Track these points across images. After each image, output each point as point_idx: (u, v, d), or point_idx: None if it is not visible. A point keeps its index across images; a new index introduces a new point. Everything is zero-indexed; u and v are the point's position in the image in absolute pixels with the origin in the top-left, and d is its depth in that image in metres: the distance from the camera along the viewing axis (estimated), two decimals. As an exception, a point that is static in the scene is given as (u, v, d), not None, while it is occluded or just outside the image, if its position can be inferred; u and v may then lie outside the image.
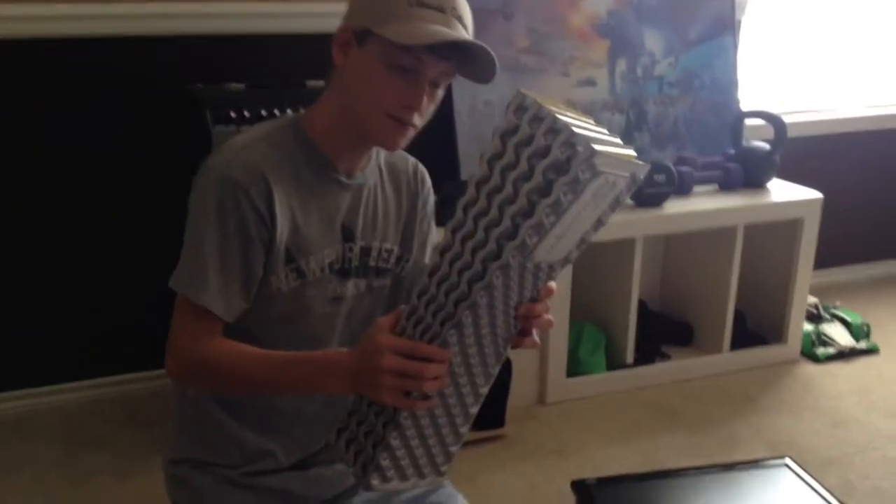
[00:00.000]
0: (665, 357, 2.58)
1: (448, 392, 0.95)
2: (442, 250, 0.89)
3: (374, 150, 1.14)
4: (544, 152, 0.79)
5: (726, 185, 2.56)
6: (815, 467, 2.05)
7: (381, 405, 0.95)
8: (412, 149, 1.16)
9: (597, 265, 2.44)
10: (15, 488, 1.97)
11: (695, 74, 2.65)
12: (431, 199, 1.24)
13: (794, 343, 2.66)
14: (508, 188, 0.82)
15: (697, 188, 2.53)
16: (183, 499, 1.17)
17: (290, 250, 1.07)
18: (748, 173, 2.56)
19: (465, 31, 1.02)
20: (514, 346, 0.98)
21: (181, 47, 2.19)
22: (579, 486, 1.84)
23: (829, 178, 2.90)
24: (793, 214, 2.54)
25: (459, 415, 0.99)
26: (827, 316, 2.83)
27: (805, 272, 2.59)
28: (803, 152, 2.92)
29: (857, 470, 2.10)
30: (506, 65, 2.38)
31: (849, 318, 2.81)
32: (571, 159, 0.77)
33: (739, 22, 2.76)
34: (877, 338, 2.78)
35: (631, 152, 0.84)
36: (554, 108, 0.81)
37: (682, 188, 2.47)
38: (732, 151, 2.64)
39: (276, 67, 2.27)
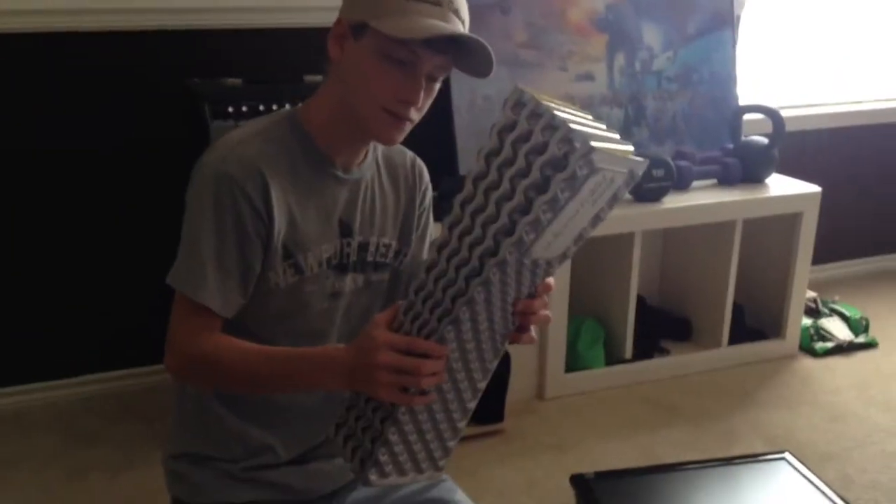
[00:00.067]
0: (664, 352, 2.58)
1: (446, 387, 0.95)
2: (439, 246, 0.89)
3: (372, 144, 1.14)
4: (542, 149, 0.79)
5: (725, 179, 2.56)
6: (813, 462, 2.06)
7: (378, 401, 0.95)
8: (410, 143, 1.16)
9: (595, 260, 2.44)
10: (13, 483, 1.97)
11: (693, 69, 2.64)
12: (429, 193, 1.24)
13: (792, 338, 2.67)
14: (506, 184, 0.82)
15: (696, 183, 2.53)
16: (183, 493, 1.17)
17: (288, 246, 1.07)
18: (747, 168, 2.56)
19: (462, 24, 1.02)
20: (512, 342, 0.98)
21: (178, 42, 2.18)
22: (578, 481, 1.84)
23: (828, 172, 2.90)
24: (791, 209, 2.54)
25: (457, 410, 0.99)
26: (825, 310, 2.84)
27: (803, 267, 2.60)
28: (802, 147, 2.92)
29: (855, 464, 2.10)
30: (504, 59, 2.38)
31: (847, 313, 2.81)
32: (569, 155, 0.77)
33: (738, 17, 2.76)
34: (875, 332, 2.78)
35: (629, 148, 0.84)
36: (552, 104, 0.81)
37: (681, 183, 2.47)
38: (731, 146, 2.64)
39: (273, 62, 2.26)
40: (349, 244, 1.12)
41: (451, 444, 1.02)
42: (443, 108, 2.29)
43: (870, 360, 2.65)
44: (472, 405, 1.00)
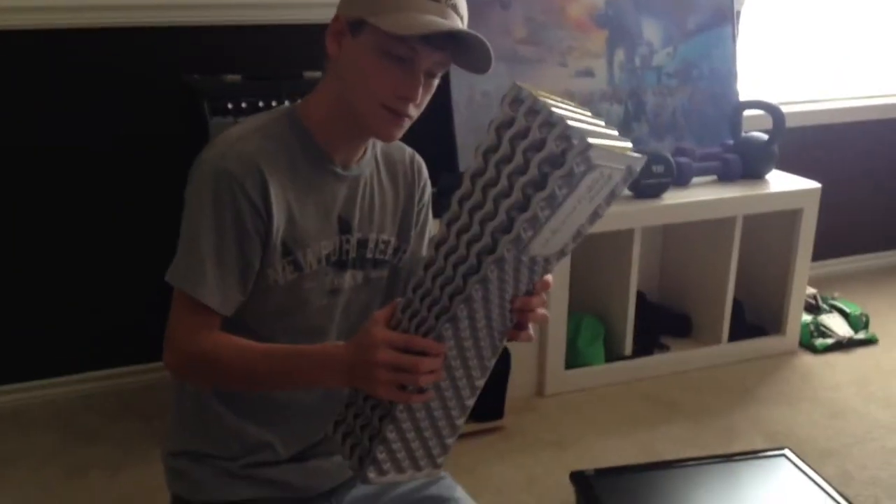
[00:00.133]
0: (663, 348, 2.58)
1: (444, 385, 0.95)
2: (437, 243, 0.88)
3: (371, 141, 1.14)
4: (539, 145, 0.79)
5: (725, 175, 2.56)
6: (813, 458, 2.06)
7: (377, 398, 0.95)
8: (410, 140, 1.15)
9: (595, 256, 2.44)
10: (11, 481, 1.97)
11: (693, 65, 2.64)
12: (428, 189, 1.23)
13: (792, 334, 2.67)
14: (504, 181, 0.82)
15: (696, 179, 2.53)
16: (182, 491, 1.17)
17: (287, 243, 1.07)
18: (747, 164, 2.56)
19: (461, 20, 1.02)
20: (510, 340, 0.98)
21: (178, 39, 2.18)
22: (578, 478, 1.84)
23: (828, 168, 2.90)
24: (791, 205, 2.54)
25: (455, 407, 0.99)
26: (825, 307, 2.84)
27: (803, 263, 2.59)
28: (802, 143, 2.92)
29: (855, 460, 2.10)
30: (503, 55, 2.37)
31: (847, 309, 2.81)
32: (566, 152, 0.77)
33: (738, 12, 2.75)
34: (875, 328, 2.78)
35: (627, 144, 0.84)
36: (550, 101, 0.80)
37: (681, 179, 2.47)
38: (731, 142, 2.64)
39: (273, 58, 2.26)
40: (348, 241, 1.12)
41: (450, 441, 1.02)
42: (442, 104, 2.28)
43: (870, 357, 2.65)
44: (471, 403, 1.00)
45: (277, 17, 2.25)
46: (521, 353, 2.23)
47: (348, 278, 1.14)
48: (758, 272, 2.67)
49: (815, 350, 2.67)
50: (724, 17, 2.67)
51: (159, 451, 1.22)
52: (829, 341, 2.69)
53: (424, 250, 1.22)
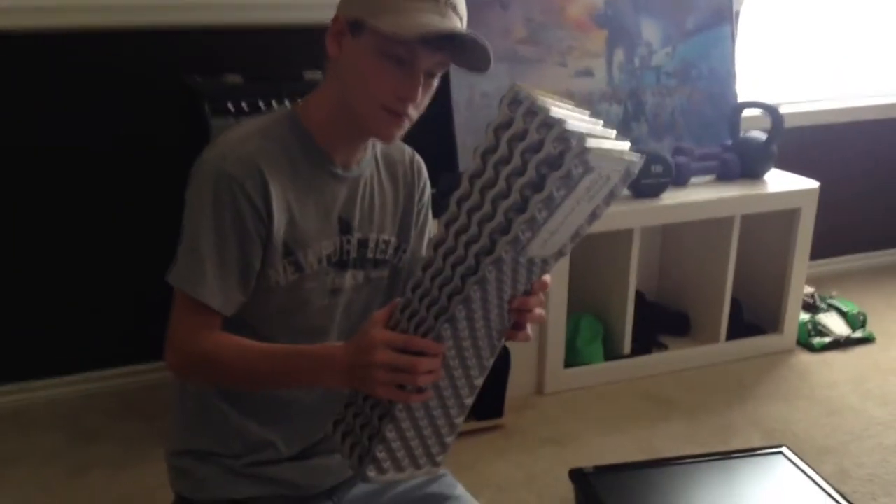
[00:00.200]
0: (662, 347, 2.59)
1: (443, 384, 0.96)
2: (436, 244, 0.89)
3: (371, 141, 1.15)
4: (537, 147, 0.79)
5: (723, 175, 2.56)
6: (810, 456, 2.06)
7: (376, 398, 0.96)
8: (410, 140, 1.16)
9: (594, 256, 2.45)
10: (12, 481, 1.97)
11: (692, 65, 2.65)
12: (428, 189, 1.24)
13: (790, 332, 2.67)
14: (502, 183, 0.82)
15: (695, 179, 2.54)
16: (186, 489, 1.18)
17: (288, 243, 1.07)
18: (745, 164, 2.57)
19: (460, 20, 1.02)
20: (508, 340, 0.99)
21: (178, 39, 2.18)
22: (577, 475, 1.85)
23: (826, 168, 2.90)
24: (789, 204, 2.55)
25: (454, 406, 1.00)
26: (823, 305, 2.84)
27: (801, 262, 2.60)
28: (800, 142, 2.93)
29: (852, 458, 2.11)
30: (503, 55, 2.38)
31: (845, 308, 2.82)
32: (564, 154, 0.77)
33: (737, 12, 2.76)
34: (872, 327, 2.79)
35: (625, 145, 0.84)
36: (548, 102, 0.80)
37: (680, 179, 2.47)
38: (730, 142, 2.64)
39: (274, 59, 2.26)
40: (349, 241, 1.13)
41: (449, 440, 1.02)
42: (442, 104, 2.29)
43: (867, 355, 2.65)
44: (470, 402, 1.01)
45: (278, 19, 2.26)
46: (521, 352, 2.24)
47: (349, 278, 1.14)
48: (756, 271, 2.67)
49: (812, 349, 2.68)
50: (723, 18, 2.68)
51: (161, 450, 1.22)
52: (827, 340, 2.70)
53: (424, 250, 1.23)
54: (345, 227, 1.12)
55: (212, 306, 1.03)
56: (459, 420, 1.01)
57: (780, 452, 1.97)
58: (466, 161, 2.34)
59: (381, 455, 0.96)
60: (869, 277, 3.24)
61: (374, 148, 1.16)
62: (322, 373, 0.98)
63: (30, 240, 2.22)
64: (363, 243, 1.15)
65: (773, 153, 2.59)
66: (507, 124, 0.82)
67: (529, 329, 0.98)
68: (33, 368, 2.30)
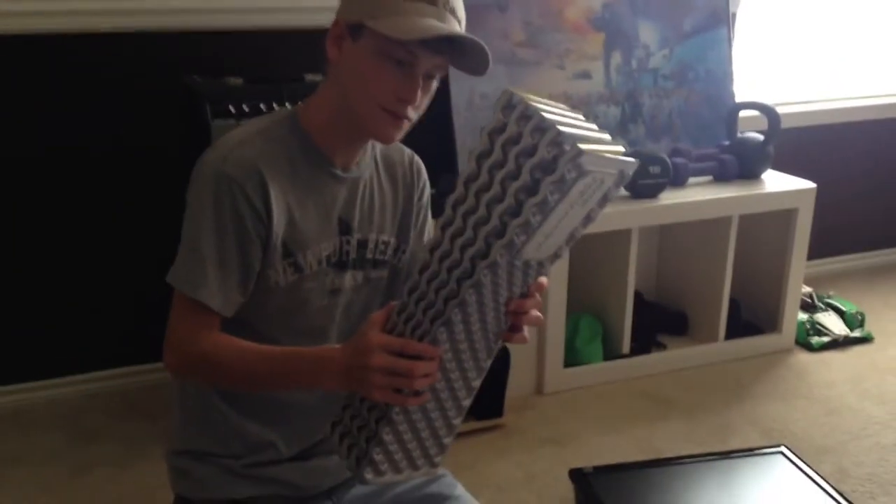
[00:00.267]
0: (661, 347, 2.60)
1: (440, 387, 0.96)
2: (432, 247, 0.89)
3: (371, 143, 1.15)
4: (531, 151, 0.79)
5: (721, 176, 2.57)
6: (809, 455, 2.07)
7: (373, 400, 0.96)
8: (410, 142, 1.17)
9: (593, 256, 2.46)
10: (13, 481, 1.98)
11: (689, 66, 2.66)
12: (427, 190, 1.25)
13: (788, 332, 2.68)
14: (496, 187, 0.82)
15: (692, 179, 2.55)
16: (185, 490, 1.19)
17: (287, 244, 1.08)
18: (743, 164, 2.57)
19: (458, 24, 1.03)
20: (505, 342, 0.99)
21: (180, 42, 2.19)
22: (577, 475, 1.86)
23: (823, 168, 2.91)
24: (787, 205, 2.55)
25: (452, 408, 1.00)
26: (821, 305, 2.85)
27: (799, 262, 2.61)
28: (797, 143, 2.94)
29: (851, 457, 2.12)
30: (501, 58, 2.39)
31: (843, 307, 2.82)
32: (558, 158, 0.77)
33: (734, 14, 2.77)
34: (871, 326, 2.79)
35: (619, 148, 0.84)
36: (542, 106, 0.81)
37: (678, 180, 2.48)
38: (727, 143, 2.65)
39: (274, 61, 2.27)
40: (348, 242, 1.14)
41: (447, 441, 1.02)
42: (441, 106, 2.30)
43: (865, 355, 2.66)
44: (467, 403, 1.01)
45: (279, 22, 2.27)
46: (520, 352, 2.24)
47: (348, 279, 1.15)
48: (754, 271, 2.68)
49: (810, 348, 2.69)
50: (720, 20, 2.69)
51: (162, 450, 1.23)
52: (825, 339, 2.71)
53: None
54: (344, 228, 1.13)
55: (211, 307, 1.04)
56: (457, 421, 1.02)
57: (779, 452, 1.98)
58: (466, 162, 2.36)
59: (378, 457, 0.96)
60: (866, 277, 3.25)
61: (373, 149, 1.17)
62: (320, 375, 0.99)
63: (30, 240, 2.23)
64: (362, 244, 1.15)
65: (770, 154, 2.60)
66: (502, 128, 0.82)
67: (526, 331, 0.98)
68: (34, 369, 2.30)
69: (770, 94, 2.94)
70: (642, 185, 2.38)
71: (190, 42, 2.20)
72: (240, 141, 1.06)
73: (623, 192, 2.36)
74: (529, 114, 0.80)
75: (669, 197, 2.43)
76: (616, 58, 2.56)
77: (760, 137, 2.60)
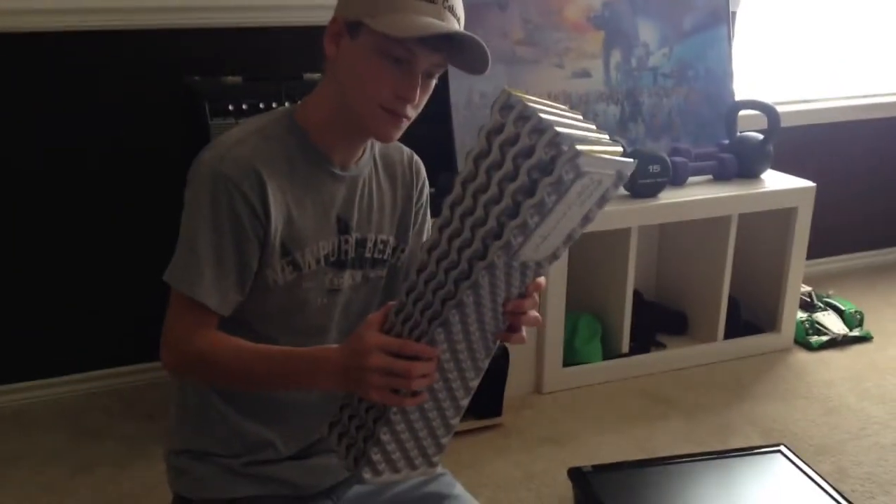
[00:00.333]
0: (660, 346, 2.60)
1: (438, 387, 0.96)
2: (429, 248, 0.89)
3: (369, 141, 1.15)
4: (529, 152, 0.79)
5: (721, 175, 2.57)
6: (808, 454, 2.07)
7: (371, 401, 0.96)
8: (409, 140, 1.17)
9: (592, 255, 2.45)
10: (13, 481, 1.98)
11: (689, 65, 2.65)
12: (426, 189, 1.25)
13: (787, 331, 2.68)
14: (494, 188, 0.82)
15: (692, 178, 2.55)
16: (185, 489, 1.18)
17: (286, 243, 1.08)
18: (742, 163, 2.57)
19: (457, 22, 1.02)
20: (503, 342, 0.98)
21: (178, 41, 2.19)
22: (576, 474, 1.86)
23: (823, 167, 2.92)
24: (786, 204, 2.55)
25: (450, 408, 1.00)
26: (820, 304, 2.85)
27: (798, 261, 2.61)
28: (797, 142, 2.94)
29: (850, 457, 2.12)
30: (501, 56, 2.39)
31: (842, 307, 2.82)
32: (555, 159, 0.77)
33: (733, 13, 2.77)
34: (870, 326, 2.79)
35: (617, 149, 0.84)
36: (540, 106, 0.80)
37: (677, 179, 2.48)
38: (726, 142, 2.65)
39: (273, 60, 2.27)
40: (347, 241, 1.13)
41: (445, 440, 1.02)
42: (441, 105, 2.30)
43: (864, 354, 2.66)
44: (465, 403, 1.01)
45: (277, 20, 2.26)
46: (520, 352, 2.24)
47: (347, 278, 1.15)
48: (753, 270, 2.68)
49: (810, 347, 2.69)
50: (720, 18, 2.69)
51: (162, 449, 1.23)
52: (824, 339, 2.71)
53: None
54: (343, 227, 1.13)
55: (208, 306, 1.04)
56: (455, 421, 1.01)
57: (779, 451, 1.98)
58: (464, 161, 2.35)
59: (376, 457, 0.96)
60: (866, 276, 3.25)
61: (372, 148, 1.17)
62: (317, 375, 0.98)
63: (30, 240, 2.22)
64: (361, 243, 1.15)
65: (770, 153, 2.60)
66: (499, 129, 0.82)
67: (524, 331, 0.97)
68: (34, 368, 2.30)
69: (770, 93, 2.94)
70: (642, 185, 2.38)
71: (188, 40, 2.20)
72: (237, 140, 1.05)
73: (622, 191, 2.36)
74: (527, 114, 0.79)
75: (669, 196, 2.43)
76: (616, 56, 2.56)
77: (760, 136, 2.60)
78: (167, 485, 1.21)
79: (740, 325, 2.66)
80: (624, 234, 2.37)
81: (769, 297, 2.66)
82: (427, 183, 1.25)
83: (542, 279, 0.96)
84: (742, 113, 2.67)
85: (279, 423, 1.17)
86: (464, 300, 0.87)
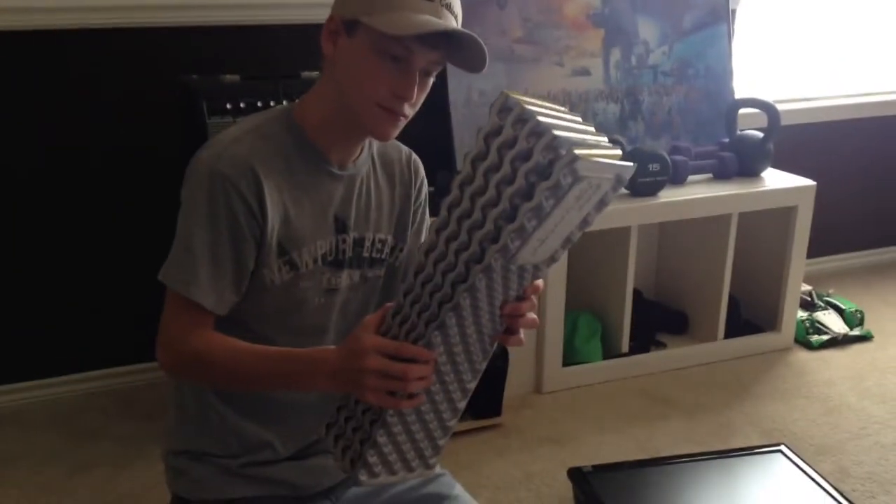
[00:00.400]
0: (660, 345, 2.59)
1: (435, 389, 0.95)
2: (427, 250, 0.88)
3: (367, 140, 1.15)
4: (527, 155, 0.78)
5: (721, 173, 2.57)
6: (809, 454, 2.07)
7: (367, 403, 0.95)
8: (408, 139, 1.16)
9: (592, 254, 2.45)
10: (12, 481, 1.97)
11: (689, 63, 2.65)
12: (425, 188, 1.24)
13: (788, 331, 2.68)
14: (491, 191, 0.82)
15: (692, 177, 2.54)
16: (183, 490, 1.18)
17: (283, 243, 1.07)
18: (742, 162, 2.57)
19: (455, 19, 1.02)
20: (501, 344, 0.98)
21: (176, 39, 2.18)
22: (576, 474, 1.85)
23: (823, 166, 2.91)
24: (787, 202, 2.55)
25: (447, 410, 0.99)
26: (820, 303, 2.84)
27: (799, 260, 2.61)
28: (797, 140, 2.93)
29: (850, 456, 2.11)
30: (500, 54, 2.38)
31: (842, 306, 2.82)
32: (553, 163, 0.76)
33: (733, 11, 2.76)
34: (870, 325, 2.79)
35: (616, 152, 0.83)
36: (538, 109, 0.80)
37: (677, 177, 2.48)
38: (727, 140, 2.65)
39: (271, 58, 2.27)
40: (344, 240, 1.13)
41: (442, 442, 1.02)
42: (439, 103, 2.29)
43: (865, 353, 2.66)
44: (462, 405, 1.01)
45: (275, 18, 2.26)
46: (519, 351, 2.24)
47: (345, 277, 1.14)
48: (753, 269, 2.68)
49: (810, 347, 2.68)
50: (720, 16, 2.68)
51: (160, 449, 1.23)
52: (825, 338, 2.70)
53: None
54: (340, 227, 1.12)
55: (205, 305, 1.03)
56: (452, 423, 1.01)
57: (779, 451, 1.97)
58: (463, 160, 2.35)
59: (372, 459, 0.96)
60: (866, 275, 3.25)
61: (370, 147, 1.16)
62: (313, 376, 0.98)
63: (30, 240, 2.22)
64: (359, 242, 1.15)
65: (770, 151, 2.59)
66: (497, 132, 0.81)
67: (522, 333, 0.97)
68: (33, 368, 2.30)
69: (770, 92, 2.94)
70: (642, 183, 2.37)
71: (186, 39, 2.19)
72: (234, 138, 1.05)
73: (622, 189, 2.35)
74: (525, 117, 0.79)
75: (669, 195, 2.42)
76: (615, 54, 2.55)
77: (760, 135, 2.59)
78: (165, 485, 1.21)
79: (740, 324, 2.66)
80: (624, 232, 2.37)
81: (769, 297, 2.66)
82: (426, 182, 1.24)
83: (540, 282, 0.96)
84: (742, 111, 2.66)
85: (277, 424, 1.16)
86: (461, 303, 0.86)
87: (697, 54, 2.66)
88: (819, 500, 1.80)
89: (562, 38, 2.48)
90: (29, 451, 2.09)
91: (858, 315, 2.79)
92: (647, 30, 2.59)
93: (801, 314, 2.74)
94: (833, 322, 2.76)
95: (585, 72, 2.52)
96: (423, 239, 1.24)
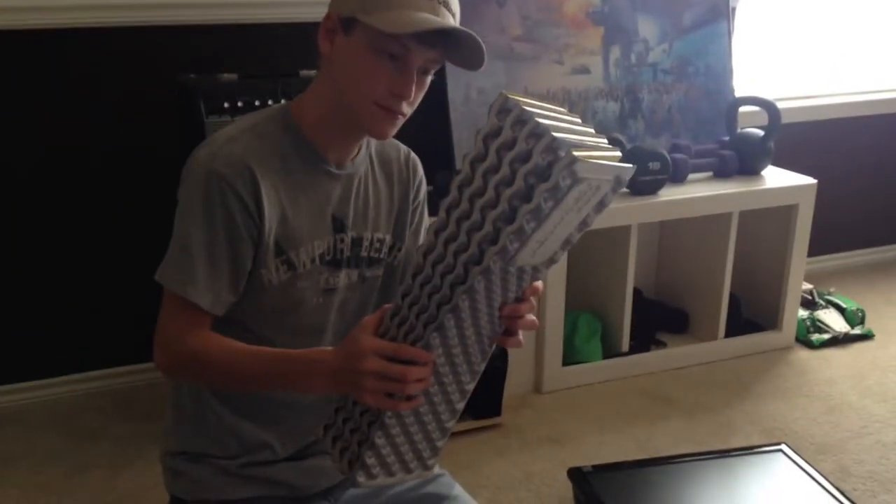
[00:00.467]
0: (660, 344, 2.59)
1: (433, 390, 0.95)
2: (425, 251, 0.88)
3: (365, 139, 1.14)
4: (526, 157, 0.78)
5: (721, 172, 2.56)
6: (810, 453, 2.06)
7: (365, 404, 0.95)
8: (406, 137, 1.16)
9: (592, 253, 2.44)
10: (11, 481, 1.97)
11: (689, 61, 2.64)
12: (424, 187, 1.24)
13: (788, 329, 2.67)
14: (490, 192, 0.81)
15: (692, 175, 2.54)
16: (181, 491, 1.18)
17: (280, 243, 1.07)
18: (743, 160, 2.56)
19: (453, 17, 1.02)
20: (499, 345, 0.98)
21: (173, 38, 2.18)
22: (576, 474, 1.85)
23: (824, 164, 2.91)
24: (787, 201, 2.54)
25: (445, 411, 0.99)
26: (821, 302, 2.84)
27: (799, 259, 2.60)
28: (798, 138, 2.93)
29: (851, 455, 2.11)
30: (499, 53, 2.38)
31: (843, 304, 2.82)
32: (552, 165, 0.76)
33: (733, 8, 2.75)
34: (871, 323, 2.79)
35: (615, 154, 0.83)
36: (538, 110, 0.79)
37: (677, 176, 2.47)
38: (727, 138, 2.64)
39: (269, 57, 2.26)
40: (342, 240, 1.12)
41: (440, 444, 1.02)
42: (438, 101, 2.29)
43: (866, 352, 2.65)
44: (461, 406, 1.00)
45: (273, 16, 2.25)
46: (519, 351, 2.24)
47: (343, 277, 1.14)
48: (754, 268, 2.67)
49: (811, 345, 2.68)
50: (720, 14, 2.67)
51: (159, 450, 1.22)
52: (826, 337, 2.70)
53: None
54: (338, 226, 1.12)
55: (201, 305, 1.03)
56: (451, 424, 1.01)
57: (780, 450, 1.97)
58: (462, 159, 2.34)
59: (370, 460, 0.95)
60: (867, 274, 3.24)
61: (368, 146, 1.16)
62: (311, 377, 0.97)
63: (29, 240, 2.22)
64: (357, 242, 1.14)
65: (771, 149, 2.59)
66: (496, 133, 0.80)
67: (521, 335, 0.97)
68: (33, 368, 2.30)
69: (770, 90, 2.93)
70: (642, 182, 2.36)
71: (183, 38, 2.19)
72: (230, 137, 1.04)
73: (622, 188, 2.35)
74: (524, 118, 0.78)
75: (669, 193, 2.42)
76: (615, 52, 2.55)
77: (760, 133, 2.59)
78: (164, 486, 1.20)
79: (741, 323, 2.65)
80: (624, 231, 2.36)
81: (770, 295, 2.65)
82: (424, 181, 1.24)
83: (539, 283, 0.95)
84: (742, 109, 2.66)
85: (276, 425, 1.16)
86: (459, 305, 0.86)
87: (697, 52, 2.65)
88: (820, 500, 1.80)
89: (561, 35, 2.48)
90: (29, 451, 2.08)
91: (859, 314, 2.79)
92: (647, 28, 2.58)
93: (802, 313, 2.74)
94: (834, 321, 2.76)
95: (585, 70, 2.52)
96: (421, 238, 1.23)
